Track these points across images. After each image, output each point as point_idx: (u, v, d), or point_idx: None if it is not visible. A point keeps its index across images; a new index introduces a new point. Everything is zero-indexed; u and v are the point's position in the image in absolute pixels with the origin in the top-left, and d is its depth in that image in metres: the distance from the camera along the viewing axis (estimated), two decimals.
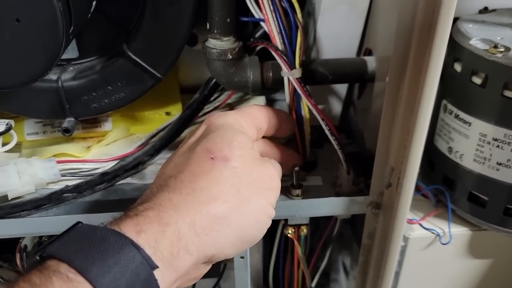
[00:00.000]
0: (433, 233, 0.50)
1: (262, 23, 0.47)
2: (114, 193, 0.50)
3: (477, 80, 0.43)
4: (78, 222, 0.33)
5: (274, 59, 0.48)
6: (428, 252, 0.51)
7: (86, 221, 0.33)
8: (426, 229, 0.50)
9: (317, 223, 0.65)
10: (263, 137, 0.47)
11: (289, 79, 0.48)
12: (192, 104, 0.53)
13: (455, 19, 0.48)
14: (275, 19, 0.45)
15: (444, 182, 0.50)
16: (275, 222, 0.58)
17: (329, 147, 0.50)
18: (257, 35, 0.50)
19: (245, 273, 0.55)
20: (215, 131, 0.39)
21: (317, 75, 0.51)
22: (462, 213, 0.49)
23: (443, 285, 0.54)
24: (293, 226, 0.56)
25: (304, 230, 0.56)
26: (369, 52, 0.54)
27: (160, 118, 0.56)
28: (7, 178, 0.47)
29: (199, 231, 0.34)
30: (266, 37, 0.48)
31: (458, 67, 0.45)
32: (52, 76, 0.48)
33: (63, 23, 0.36)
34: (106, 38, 0.49)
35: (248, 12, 0.47)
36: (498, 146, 0.44)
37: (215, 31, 0.46)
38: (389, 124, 0.44)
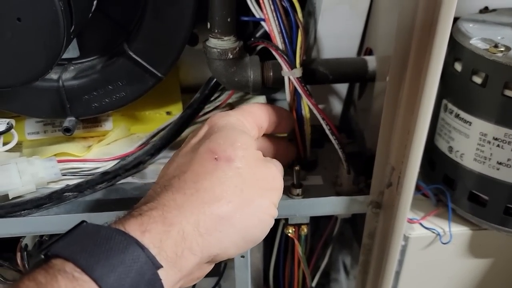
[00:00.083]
0: (434, 232, 0.50)
1: (262, 23, 0.47)
2: (115, 193, 0.50)
3: (478, 79, 0.43)
4: (83, 221, 0.33)
5: (274, 58, 0.48)
6: (429, 251, 0.51)
7: (87, 220, 0.33)
8: (426, 228, 0.50)
9: (318, 223, 0.65)
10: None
11: (289, 79, 0.48)
12: (192, 103, 0.53)
13: (456, 19, 0.48)
14: (275, 18, 0.45)
15: (444, 182, 0.50)
16: (275, 222, 0.58)
17: (330, 146, 0.50)
18: (257, 34, 0.50)
19: (246, 273, 0.55)
20: (218, 131, 0.39)
21: (317, 75, 0.51)
22: (462, 212, 0.49)
23: (444, 284, 0.55)
24: (294, 225, 0.56)
25: (305, 230, 0.56)
26: (369, 52, 0.54)
27: (160, 118, 0.56)
28: (8, 177, 0.47)
29: (203, 231, 0.34)
30: (266, 36, 0.48)
31: (458, 66, 0.45)
32: (53, 75, 0.48)
33: (64, 22, 0.36)
34: (107, 38, 0.49)
35: (248, 12, 0.47)
36: (498, 146, 0.44)
37: (216, 31, 0.46)
38: (390, 123, 0.44)
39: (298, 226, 0.56)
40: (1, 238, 0.48)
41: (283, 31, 0.46)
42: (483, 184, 0.46)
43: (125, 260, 0.29)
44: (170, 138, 0.52)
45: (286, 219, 0.56)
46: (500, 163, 0.44)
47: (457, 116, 0.46)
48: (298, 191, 0.49)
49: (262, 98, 0.59)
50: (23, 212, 0.46)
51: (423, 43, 0.38)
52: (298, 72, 0.47)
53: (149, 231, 0.32)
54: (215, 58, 0.47)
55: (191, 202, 0.34)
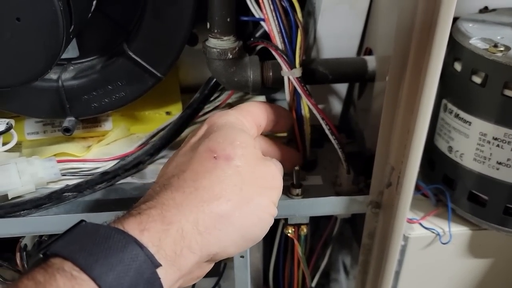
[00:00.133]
0: (433, 232, 0.50)
1: (262, 23, 0.47)
2: (114, 193, 0.50)
3: (477, 79, 0.43)
4: (82, 221, 0.33)
5: (274, 58, 0.48)
6: (428, 251, 0.51)
7: (86, 220, 0.33)
8: (426, 228, 0.50)
9: (317, 223, 0.65)
10: (264, 135, 0.47)
11: (289, 79, 0.48)
12: (192, 103, 0.53)
13: (456, 19, 0.48)
14: (275, 18, 0.45)
15: (444, 182, 0.50)
16: (275, 222, 0.58)
17: (329, 146, 0.50)
18: (257, 34, 0.50)
19: (245, 273, 0.55)
20: (217, 130, 0.39)
21: (317, 75, 0.51)
22: (462, 212, 0.49)
23: (443, 284, 0.55)
24: (293, 225, 0.56)
25: (304, 230, 0.56)
26: (369, 52, 0.54)
27: (160, 118, 0.56)
28: (7, 177, 0.47)
29: (202, 230, 0.34)
30: (266, 36, 0.48)
31: (458, 66, 0.45)
32: (53, 75, 0.48)
33: (63, 22, 0.36)
34: (106, 38, 0.49)
35: (248, 12, 0.47)
36: (498, 146, 0.44)
37: (215, 31, 0.46)
38: (389, 123, 0.44)
39: (297, 226, 0.56)
40: (1, 238, 0.48)
41: (283, 31, 0.46)
42: (483, 184, 0.46)
43: (124, 259, 0.29)
44: (170, 138, 0.52)
45: (286, 219, 0.56)
46: (499, 163, 0.44)
47: (456, 116, 0.46)
48: (298, 191, 0.49)
49: (262, 98, 0.59)
50: (22, 212, 0.46)
51: (423, 43, 0.38)
52: (297, 72, 0.47)
53: (148, 230, 0.32)
54: (215, 58, 0.47)
55: (190, 201, 0.34)
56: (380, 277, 0.52)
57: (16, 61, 0.38)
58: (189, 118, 0.53)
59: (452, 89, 0.47)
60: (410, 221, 0.50)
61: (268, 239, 0.65)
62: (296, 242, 0.57)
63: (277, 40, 0.46)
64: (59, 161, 0.50)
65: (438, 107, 0.48)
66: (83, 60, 0.50)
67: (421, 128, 0.41)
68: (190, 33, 0.48)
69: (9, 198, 0.47)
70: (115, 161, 0.52)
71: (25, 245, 0.52)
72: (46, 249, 0.30)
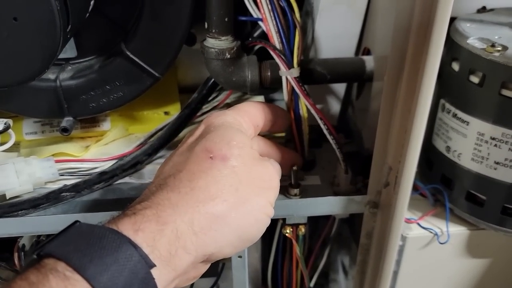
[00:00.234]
0: (431, 232, 0.50)
1: (260, 23, 0.47)
2: (112, 193, 0.50)
3: (475, 79, 0.43)
4: (76, 221, 0.33)
5: (272, 58, 0.48)
6: (426, 251, 0.51)
7: (84, 220, 0.33)
8: (424, 228, 0.50)
9: (316, 223, 0.65)
10: (263, 136, 0.47)
11: (287, 79, 0.48)
12: (190, 103, 0.53)
13: (453, 19, 0.48)
14: (273, 18, 0.45)
15: (442, 181, 0.50)
16: (273, 222, 0.58)
17: (328, 146, 0.50)
18: (255, 34, 0.50)
19: (243, 273, 0.55)
20: (214, 130, 0.39)
21: (315, 75, 0.51)
22: (460, 212, 0.49)
23: (441, 284, 0.54)
24: (291, 225, 0.56)
25: (302, 230, 0.56)
26: (367, 52, 0.54)
27: (158, 118, 0.56)
28: (5, 177, 0.47)
29: (197, 230, 0.34)
30: (264, 36, 0.48)
31: (456, 66, 0.45)
32: (51, 75, 0.48)
33: (60, 22, 0.36)
34: (104, 38, 0.49)
35: (246, 12, 0.47)
36: (496, 145, 0.44)
37: (213, 31, 0.46)
38: (387, 123, 0.44)
39: (295, 226, 0.56)
40: None
41: (281, 31, 0.46)
42: (481, 184, 0.46)
43: (118, 259, 0.29)
44: (168, 138, 0.52)
45: (284, 219, 0.56)
46: (497, 163, 0.44)
47: (454, 115, 0.46)
48: (296, 191, 0.49)
49: (260, 98, 0.59)
50: (20, 212, 0.46)
51: (420, 43, 0.38)
52: (295, 72, 0.47)
53: (143, 230, 0.32)
54: (213, 58, 0.47)
55: (185, 201, 0.34)
56: (378, 277, 0.52)
57: (13, 60, 0.38)
58: (187, 118, 0.53)
59: (450, 89, 0.47)
60: (408, 221, 0.50)
61: (267, 239, 0.65)
62: (294, 242, 0.57)
63: (275, 40, 0.46)
64: (57, 161, 0.50)
65: (436, 107, 0.48)
66: (81, 60, 0.50)
67: (419, 128, 0.41)
68: (188, 33, 0.48)
69: (7, 198, 0.47)
70: (113, 161, 0.52)
71: (23, 245, 0.52)
72: (40, 250, 0.30)
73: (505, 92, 0.41)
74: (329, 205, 0.50)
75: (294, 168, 0.48)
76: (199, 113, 0.55)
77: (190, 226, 0.33)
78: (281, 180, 0.42)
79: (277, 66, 0.48)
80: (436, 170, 0.50)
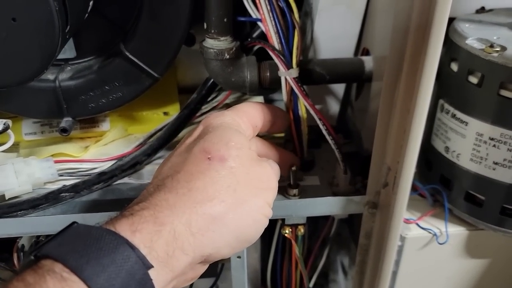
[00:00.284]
0: (430, 232, 0.50)
1: (259, 23, 0.47)
2: (111, 193, 0.50)
3: (474, 79, 0.43)
4: (74, 222, 0.33)
5: (271, 59, 0.48)
6: (425, 251, 0.51)
7: (83, 220, 0.33)
8: (423, 228, 0.50)
9: (315, 223, 0.65)
10: (261, 137, 0.47)
11: (286, 79, 0.48)
12: (189, 104, 0.53)
13: (452, 19, 0.48)
14: (272, 19, 0.45)
15: (441, 182, 0.50)
16: (272, 222, 0.58)
17: (327, 147, 0.50)
18: (254, 35, 0.50)
19: (242, 273, 0.55)
20: (213, 131, 0.39)
21: (314, 75, 0.51)
22: (459, 212, 0.49)
23: (440, 284, 0.54)
24: (290, 226, 0.56)
25: (301, 230, 0.56)
26: (366, 52, 0.54)
27: (158, 118, 0.56)
28: (4, 177, 0.47)
29: (195, 231, 0.34)
30: (263, 37, 0.48)
31: (454, 66, 0.45)
32: (50, 76, 0.48)
33: (59, 22, 0.36)
34: (103, 38, 0.49)
35: (245, 12, 0.47)
36: (494, 146, 0.44)
37: (212, 31, 0.46)
38: (386, 123, 0.44)
39: (295, 226, 0.56)
40: None
41: (280, 31, 0.46)
42: (480, 184, 0.46)
43: (116, 260, 0.29)
44: (167, 139, 0.52)
45: (283, 220, 0.56)
46: (496, 163, 0.44)
47: (453, 116, 0.46)
48: (295, 191, 0.49)
49: (259, 99, 0.59)
50: (19, 212, 0.47)
51: (419, 43, 0.38)
52: (294, 72, 0.47)
53: (140, 231, 0.32)
54: (212, 58, 0.47)
55: (183, 202, 0.34)
56: (377, 277, 0.52)
57: (12, 61, 0.38)
58: (187, 118, 0.53)
59: (449, 89, 0.47)
60: (407, 221, 0.50)
61: (266, 239, 0.65)
62: (293, 242, 0.57)
63: (274, 40, 0.46)
64: (56, 162, 0.50)
65: (435, 107, 0.48)
66: (80, 61, 0.50)
67: (417, 128, 0.41)
68: (187, 33, 0.48)
69: (6, 198, 0.48)
70: (113, 162, 0.52)
71: (23, 246, 0.52)
72: (37, 251, 0.30)
73: (504, 93, 0.41)
74: (328, 206, 0.50)
75: (293, 168, 0.48)
76: (198, 114, 0.54)
77: (188, 227, 0.33)
78: (280, 180, 0.42)
79: (276, 66, 0.48)
80: (435, 170, 0.50)
